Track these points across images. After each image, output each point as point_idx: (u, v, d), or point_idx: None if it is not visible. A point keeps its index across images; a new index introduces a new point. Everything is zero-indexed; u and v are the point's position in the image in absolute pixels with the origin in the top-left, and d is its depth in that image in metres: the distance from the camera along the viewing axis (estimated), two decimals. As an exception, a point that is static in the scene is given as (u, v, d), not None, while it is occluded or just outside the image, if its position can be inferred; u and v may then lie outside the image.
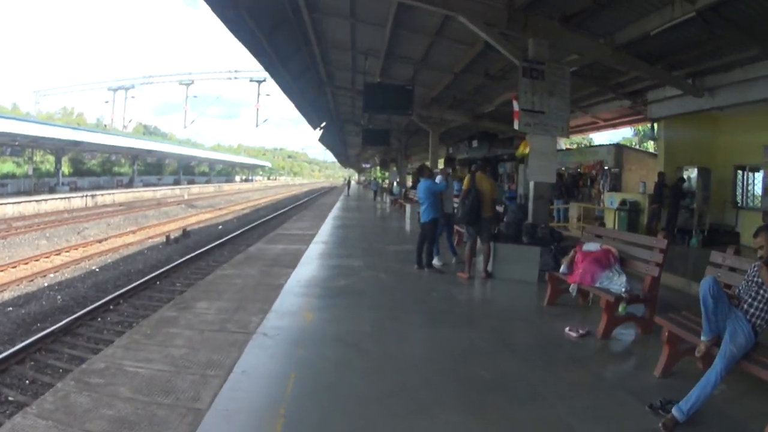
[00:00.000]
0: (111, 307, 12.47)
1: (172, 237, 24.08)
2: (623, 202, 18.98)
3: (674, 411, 4.39)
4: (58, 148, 48.40)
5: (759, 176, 17.48)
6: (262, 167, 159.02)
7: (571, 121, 18.69)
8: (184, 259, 18.09)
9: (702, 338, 4.87)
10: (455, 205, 12.54)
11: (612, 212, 19.34)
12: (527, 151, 21.21)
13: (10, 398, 7.75)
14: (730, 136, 18.27)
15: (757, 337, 4.70)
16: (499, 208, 12.78)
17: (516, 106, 11.25)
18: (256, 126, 69.87)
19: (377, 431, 4.25)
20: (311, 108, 32.04)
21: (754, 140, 16.28)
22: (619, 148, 25.08)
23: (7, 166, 50.46)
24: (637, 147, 40.51)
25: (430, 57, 17.71)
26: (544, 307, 8.45)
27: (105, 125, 79.39)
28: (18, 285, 14.83)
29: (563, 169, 26.18)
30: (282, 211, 41.88)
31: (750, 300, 4.82)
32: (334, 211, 29.94)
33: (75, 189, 50.47)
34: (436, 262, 11.64)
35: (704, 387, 4.44)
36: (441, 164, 30.47)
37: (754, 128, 16.56)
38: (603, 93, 19.44)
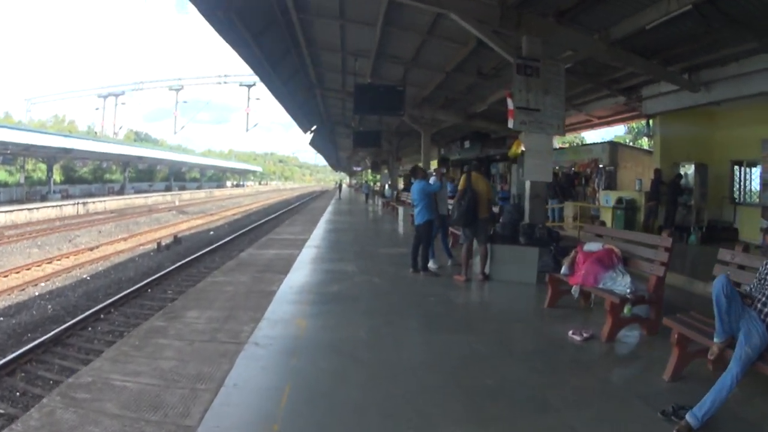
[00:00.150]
0: (102, 316, 12.26)
1: (163, 244, 23.83)
2: (619, 200, 18.87)
3: (688, 417, 4.20)
4: (50, 156, 48.30)
5: (756, 171, 17.35)
6: (253, 172, 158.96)
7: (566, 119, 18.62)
8: (175, 266, 17.84)
9: (715, 340, 4.68)
10: (449, 206, 12.38)
11: (608, 211, 19.15)
12: (520, 150, 21.16)
13: (0, 411, 7.54)
14: (727, 130, 18.17)
15: (773, 337, 4.47)
16: (494, 209, 12.57)
17: (510, 104, 11.09)
18: (247, 131, 70.22)
19: (377, 446, 4.04)
20: (301, 111, 31.96)
21: (752, 134, 16.19)
22: (613, 146, 24.97)
23: (0, 175, 50.16)
24: (632, 144, 40.35)
25: (422, 56, 17.59)
26: (544, 309, 8.25)
27: (96, 132, 79.47)
28: (9, 294, 14.65)
29: (557, 168, 26.02)
30: (273, 215, 41.59)
31: (764, 299, 4.64)
32: (326, 215, 29.73)
33: (66, 197, 50.54)
34: (431, 265, 11.41)
35: (719, 391, 4.24)
36: (434, 166, 30.49)
37: (751, 122, 16.48)
38: (597, 90, 19.34)
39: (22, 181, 50.14)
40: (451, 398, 4.83)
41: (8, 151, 43.08)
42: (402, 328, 7.33)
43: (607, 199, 20.22)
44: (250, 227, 31.99)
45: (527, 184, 11.74)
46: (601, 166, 23.83)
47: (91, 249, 22.75)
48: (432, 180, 11.63)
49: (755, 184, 17.70)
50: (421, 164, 24.07)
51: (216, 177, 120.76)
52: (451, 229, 13.29)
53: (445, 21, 13.30)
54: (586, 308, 8.29)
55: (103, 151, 54.81)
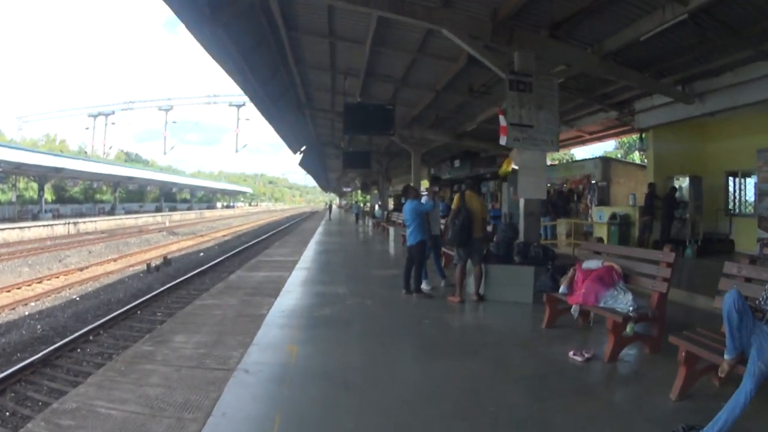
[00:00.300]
0: (91, 337, 12.02)
1: (153, 265, 23.55)
2: (613, 216, 18.69)
3: (701, 437, 4.05)
4: (41, 174, 48.35)
5: (751, 181, 17.38)
6: (243, 193, 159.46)
7: (559, 135, 18.57)
8: (164, 287, 17.58)
9: (726, 357, 4.57)
10: (441, 226, 12.23)
11: (602, 227, 18.99)
12: (510, 168, 21.01)
13: (-10, 432, 7.32)
14: (721, 142, 18.26)
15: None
16: (488, 228, 12.39)
17: (503, 120, 10.97)
18: (236, 151, 70.11)
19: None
20: (291, 131, 31.84)
21: (747, 144, 16.29)
22: (606, 161, 25.02)
23: (-8, 193, 50.28)
24: (624, 159, 40.47)
25: (412, 75, 17.52)
26: (543, 329, 8.05)
27: (86, 152, 79.36)
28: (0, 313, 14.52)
29: (549, 185, 25.93)
30: (263, 237, 41.41)
31: None
32: (316, 236, 29.55)
33: (58, 216, 50.55)
34: (424, 286, 11.16)
35: (732, 409, 4.11)
36: (425, 185, 30.37)
37: (746, 132, 16.58)
38: (589, 105, 19.29)
39: (14, 199, 49.99)
40: (451, 428, 4.61)
41: (0, 169, 43.16)
42: (396, 353, 7.09)
43: (600, 215, 20.06)
44: (240, 248, 31.76)
45: (521, 202, 11.59)
46: (593, 182, 23.73)
47: (81, 269, 22.55)
48: (424, 199, 11.47)
49: (750, 195, 17.72)
50: (411, 184, 24.02)
51: (206, 198, 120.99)
52: (443, 249, 13.07)
53: (436, 39, 13.31)
54: (585, 327, 8.11)
55: (94, 171, 54.81)
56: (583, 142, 27.70)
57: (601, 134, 25.32)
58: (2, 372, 9.31)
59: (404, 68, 16.85)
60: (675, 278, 7.02)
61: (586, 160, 28.80)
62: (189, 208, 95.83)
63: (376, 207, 44.06)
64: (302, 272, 14.66)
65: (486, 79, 15.97)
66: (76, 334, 11.85)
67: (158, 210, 78.96)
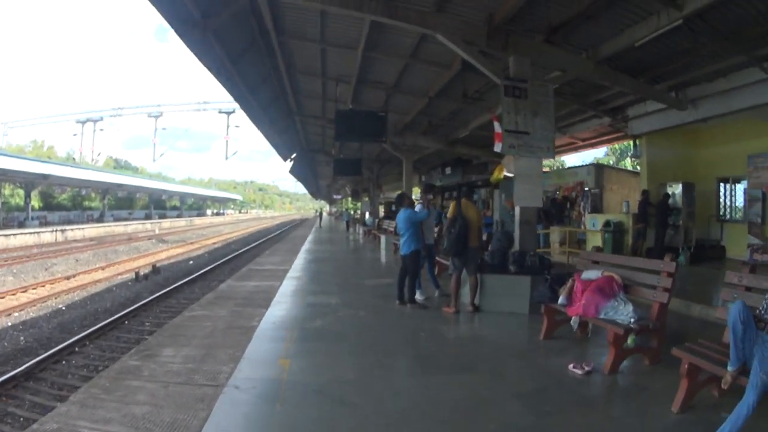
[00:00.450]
0: (76, 349, 11.68)
1: (141, 273, 23.24)
2: (607, 224, 18.56)
3: (705, 450, 4.01)
4: (28, 181, 47.99)
5: (741, 188, 17.62)
6: (234, 200, 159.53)
7: (554, 141, 18.60)
8: (153, 297, 17.28)
9: (729, 368, 4.57)
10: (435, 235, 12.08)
11: (595, 234, 18.87)
12: (502, 176, 20.84)
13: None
14: (712, 148, 18.44)
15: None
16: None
17: (497, 127, 10.85)
18: (226, 159, 69.90)
19: None
20: (281, 139, 31.80)
21: (737, 150, 16.56)
22: (599, 168, 24.93)
23: (-25, 200, 49.94)
24: (615, 166, 40.55)
25: (404, 81, 17.43)
26: (540, 341, 7.90)
27: (74, 158, 79.10)
28: (-20, 324, 14.13)
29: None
30: (254, 244, 41.17)
31: None
32: (307, 244, 29.31)
33: (45, 224, 50.31)
34: (418, 296, 10.92)
35: (735, 421, 4.14)
36: (416, 193, 30.20)
37: (737, 138, 16.77)
38: (582, 111, 19.31)
39: (-1, 206, 49.68)
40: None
41: (-18, 176, 42.42)
42: (392, 367, 6.90)
43: (593, 222, 19.94)
44: (230, 256, 31.49)
45: (517, 209, 11.45)
46: (586, 189, 23.62)
47: (68, 278, 22.15)
48: (418, 208, 11.28)
49: (740, 201, 17.90)
50: (403, 191, 23.86)
51: (196, 205, 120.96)
52: (437, 258, 12.88)
53: (429, 44, 13.23)
54: (583, 338, 7.97)
55: (82, 177, 54.40)
56: (576, 149, 27.71)
57: (593, 141, 25.34)
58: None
59: (397, 74, 16.76)
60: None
61: (579, 166, 28.73)
62: (179, 216, 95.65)
63: (367, 215, 43.93)
64: (293, 282, 14.45)
65: (480, 85, 15.90)
66: (61, 346, 11.51)
67: (148, 217, 78.77)
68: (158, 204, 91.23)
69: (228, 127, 65.64)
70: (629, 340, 6.34)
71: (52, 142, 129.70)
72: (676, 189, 17.95)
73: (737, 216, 17.98)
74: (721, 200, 18.67)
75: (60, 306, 16.92)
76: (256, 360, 6.93)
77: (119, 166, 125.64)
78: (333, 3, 10.77)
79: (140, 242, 42.27)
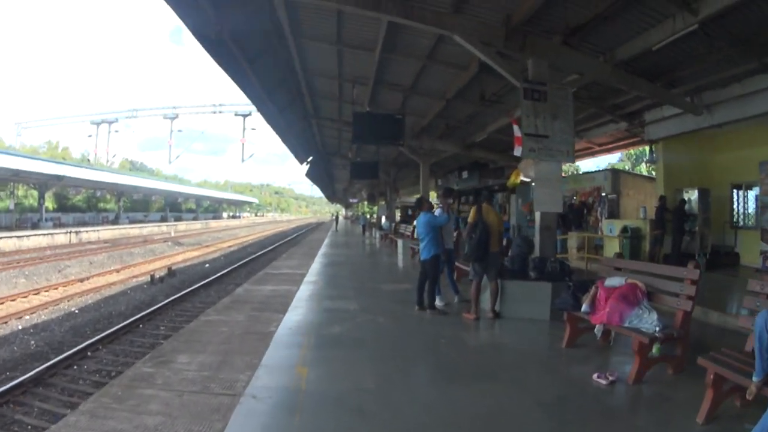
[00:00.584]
0: (89, 353, 11.48)
1: (156, 276, 23.23)
2: (624, 229, 18.41)
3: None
4: (41, 182, 48.04)
5: (753, 194, 17.46)
6: (249, 203, 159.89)
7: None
8: (168, 300, 17.21)
9: (754, 378, 4.52)
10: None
11: (612, 240, 18.69)
12: (519, 180, 20.67)
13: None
14: (726, 153, 18.23)
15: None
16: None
17: (517, 131, 10.74)
18: (242, 161, 70.00)
19: None
20: (298, 141, 31.87)
21: (750, 157, 16.33)
22: (615, 173, 24.75)
23: (-12, 200, 50.11)
24: (631, 171, 40.35)
25: (421, 82, 17.33)
26: (563, 349, 7.75)
27: (89, 160, 79.28)
28: (-10, 327, 14.02)
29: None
30: (270, 248, 41.07)
31: None
32: (324, 248, 29.28)
33: (59, 225, 50.37)
34: (438, 302, 10.81)
35: None
36: (433, 197, 30.12)
37: (750, 144, 16.60)
38: (599, 116, 19.19)
39: (12, 207, 49.79)
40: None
41: (-3, 176, 42.62)
42: (413, 376, 6.74)
43: (610, 228, 19.76)
44: (246, 260, 31.44)
45: (537, 215, 11.31)
46: (603, 194, 23.44)
47: (81, 280, 22.11)
48: (438, 212, 11.13)
49: (753, 207, 17.70)
50: (420, 195, 23.71)
51: (212, 208, 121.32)
52: (456, 263, 12.74)
53: (447, 45, 13.14)
54: (606, 347, 7.84)
55: (97, 179, 54.31)
56: (592, 154, 27.53)
57: (610, 146, 25.22)
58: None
59: (414, 75, 16.66)
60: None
61: (595, 171, 28.52)
62: (195, 218, 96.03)
63: (383, 218, 43.89)
64: (311, 286, 14.36)
65: (498, 87, 15.78)
66: (73, 350, 11.34)
67: (163, 220, 79.05)
68: (174, 206, 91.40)
69: (244, 129, 65.56)
70: (654, 349, 6.22)
71: (66, 143, 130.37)
72: (692, 195, 17.76)
73: (750, 223, 17.86)
74: (735, 207, 18.52)
75: (73, 309, 16.80)
76: (273, 367, 6.80)
77: (135, 167, 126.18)
78: (349, 2, 10.68)
79: (156, 245, 42.38)
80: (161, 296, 18.74)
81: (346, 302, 11.77)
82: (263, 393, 5.79)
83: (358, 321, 9.80)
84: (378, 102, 20.04)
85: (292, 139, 30.63)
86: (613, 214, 22.20)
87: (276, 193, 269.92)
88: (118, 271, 25.89)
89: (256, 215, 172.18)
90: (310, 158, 39.53)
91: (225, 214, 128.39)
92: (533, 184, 12.06)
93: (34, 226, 46.58)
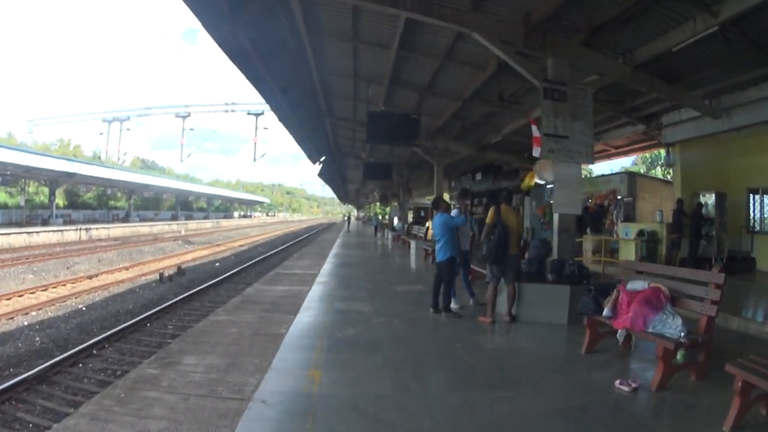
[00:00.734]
0: (94, 351, 11.32)
1: (166, 275, 23.07)
2: (640, 233, 18.26)
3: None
4: (52, 179, 48.38)
5: None
6: (261, 203, 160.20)
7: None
8: (177, 299, 17.05)
9: None
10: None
11: (628, 243, 18.46)
12: (533, 183, 20.46)
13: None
14: (743, 158, 18.02)
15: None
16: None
17: (536, 131, 10.66)
18: (254, 160, 69.87)
19: None
20: (310, 141, 31.81)
21: (767, 161, 16.33)
22: (632, 176, 24.49)
23: (-1, 196, 50.20)
24: (647, 174, 40.15)
25: (438, 82, 17.25)
26: (582, 355, 7.53)
27: (100, 157, 79.58)
28: (-5, 323, 13.92)
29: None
30: (281, 248, 40.99)
31: None
32: (335, 249, 29.19)
33: (69, 222, 50.65)
34: (453, 305, 10.59)
35: None
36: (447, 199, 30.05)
37: (767, 149, 16.41)
38: (616, 118, 19.13)
39: (22, 203, 50.10)
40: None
41: (8, 172, 42.88)
42: (430, 382, 6.53)
43: (626, 231, 19.61)
44: (257, 259, 31.33)
45: (555, 217, 11.18)
46: (619, 197, 23.20)
47: (90, 277, 22.00)
48: (454, 213, 10.91)
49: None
50: (435, 196, 23.56)
51: (223, 207, 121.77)
52: (472, 265, 12.51)
53: (465, 44, 13.07)
54: (626, 352, 7.61)
55: (108, 177, 54.40)
56: (608, 156, 27.42)
57: (626, 148, 25.14)
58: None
59: (431, 75, 16.58)
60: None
61: (611, 174, 28.31)
62: (206, 217, 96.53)
63: (396, 219, 43.82)
64: (322, 287, 14.20)
65: (516, 88, 15.65)
66: (78, 348, 11.18)
67: (174, 218, 79.34)
68: (185, 205, 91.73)
69: (257, 128, 65.68)
70: (678, 356, 6.09)
71: (78, 140, 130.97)
72: (709, 199, 17.76)
73: (766, 228, 17.71)
74: (751, 211, 18.31)
75: (80, 306, 16.68)
76: (284, 371, 6.59)
77: (146, 166, 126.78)
78: (368, -1, 10.57)
79: (166, 243, 42.46)
80: (170, 295, 18.61)
81: (359, 304, 11.59)
82: (273, 398, 5.58)
83: (372, 323, 9.61)
84: (393, 102, 19.96)
85: (304, 138, 30.64)
86: (629, 218, 21.98)
87: (287, 193, 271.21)
88: (127, 268, 25.81)
89: (267, 215, 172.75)
90: (323, 158, 39.51)
91: (236, 214, 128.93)
92: (549, 186, 11.85)
93: (45, 222, 46.97)
